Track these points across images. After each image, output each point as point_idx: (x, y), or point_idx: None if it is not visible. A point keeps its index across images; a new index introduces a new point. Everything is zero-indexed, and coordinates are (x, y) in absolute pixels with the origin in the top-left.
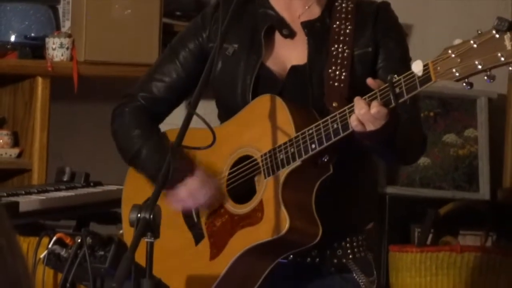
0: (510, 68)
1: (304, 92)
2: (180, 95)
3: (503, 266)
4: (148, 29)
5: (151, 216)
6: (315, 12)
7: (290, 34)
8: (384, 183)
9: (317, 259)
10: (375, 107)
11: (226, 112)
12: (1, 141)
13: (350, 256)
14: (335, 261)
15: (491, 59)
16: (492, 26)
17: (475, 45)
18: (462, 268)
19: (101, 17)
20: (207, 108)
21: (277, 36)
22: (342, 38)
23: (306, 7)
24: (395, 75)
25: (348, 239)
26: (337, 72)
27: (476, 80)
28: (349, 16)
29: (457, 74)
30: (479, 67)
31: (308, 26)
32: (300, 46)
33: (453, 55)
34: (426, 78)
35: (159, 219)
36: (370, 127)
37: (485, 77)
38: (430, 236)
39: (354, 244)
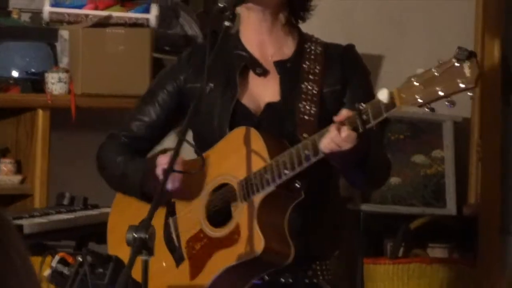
0: (469, 94)
1: (278, 126)
2: (159, 133)
3: (469, 276)
4: (140, 63)
5: (147, 235)
6: (286, 53)
7: (263, 72)
8: (359, 200)
9: (290, 280)
10: (345, 132)
11: (203, 145)
12: (5, 168)
13: (321, 278)
14: (307, 280)
15: (451, 86)
16: (453, 55)
17: (436, 74)
18: (432, 278)
19: (96, 53)
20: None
21: (251, 75)
22: (312, 77)
23: (279, 51)
24: (362, 103)
25: (318, 262)
26: (307, 107)
27: (442, 105)
28: (318, 58)
29: (420, 100)
30: (441, 93)
31: (280, 65)
32: (273, 84)
33: (416, 83)
34: (390, 104)
35: (154, 239)
36: (339, 149)
37: (446, 103)
38: (402, 249)
39: (324, 267)
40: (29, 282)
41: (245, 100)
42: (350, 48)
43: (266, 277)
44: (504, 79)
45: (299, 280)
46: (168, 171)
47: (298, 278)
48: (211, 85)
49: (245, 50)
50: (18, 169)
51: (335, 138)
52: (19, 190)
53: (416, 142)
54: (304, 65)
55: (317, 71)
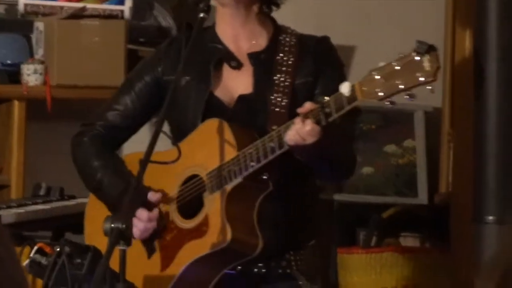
0: (428, 87)
1: (250, 118)
2: (135, 123)
3: (441, 263)
4: (114, 55)
5: (124, 225)
6: (261, 44)
7: (237, 65)
8: (332, 190)
9: (263, 270)
10: (309, 125)
11: (179, 137)
12: None
13: (294, 268)
14: (280, 271)
15: (411, 80)
16: (413, 49)
17: (397, 67)
18: (404, 266)
19: (71, 45)
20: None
21: (226, 68)
22: (285, 69)
23: (253, 42)
24: (325, 97)
25: (291, 252)
26: (279, 99)
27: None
28: (292, 49)
29: (380, 93)
30: (401, 87)
31: (254, 57)
32: (247, 76)
33: (377, 77)
34: (352, 97)
35: (131, 229)
36: (303, 143)
37: (406, 96)
38: (374, 238)
39: (298, 257)
40: (15, 271)
41: (219, 93)
42: (325, 39)
43: (239, 267)
44: (477, 71)
45: (273, 270)
46: (145, 163)
47: (271, 268)
48: (187, 77)
49: (220, 43)
50: None
51: (299, 131)
52: None
53: (388, 132)
54: (278, 57)
55: (290, 62)
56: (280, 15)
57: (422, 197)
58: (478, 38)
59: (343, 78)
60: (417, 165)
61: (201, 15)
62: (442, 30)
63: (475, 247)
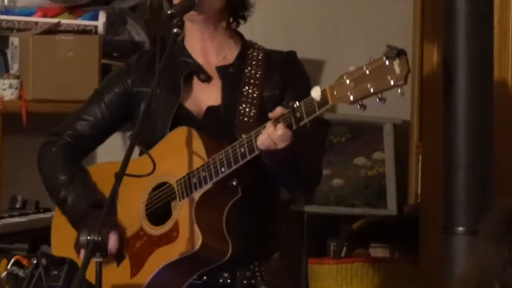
0: (399, 91)
1: (219, 129)
2: (103, 133)
3: (410, 273)
4: (89, 69)
5: (100, 238)
6: (229, 58)
7: (206, 79)
8: (302, 202)
9: (229, 280)
10: (281, 129)
11: (146, 146)
12: None
13: (259, 278)
14: (245, 281)
15: (382, 83)
16: (383, 53)
17: (367, 71)
18: (374, 276)
19: (46, 59)
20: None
21: (195, 81)
22: (253, 82)
23: (221, 56)
24: (296, 102)
25: (256, 263)
26: (247, 110)
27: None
28: (260, 63)
29: (351, 97)
30: (371, 90)
31: (222, 70)
32: (216, 89)
33: (348, 81)
34: (323, 102)
35: (107, 241)
36: (275, 147)
37: (377, 99)
38: (345, 249)
39: (262, 268)
40: None
41: (188, 104)
42: (291, 54)
43: (205, 277)
44: (445, 83)
45: (238, 281)
46: (120, 176)
47: (237, 278)
48: (157, 90)
49: (189, 56)
50: None
51: (271, 135)
52: None
53: (357, 144)
54: (246, 70)
55: (258, 75)
56: (250, 29)
57: (392, 208)
58: (447, 50)
59: (309, 91)
60: (386, 177)
61: (175, 30)
62: (410, 42)
63: (445, 257)
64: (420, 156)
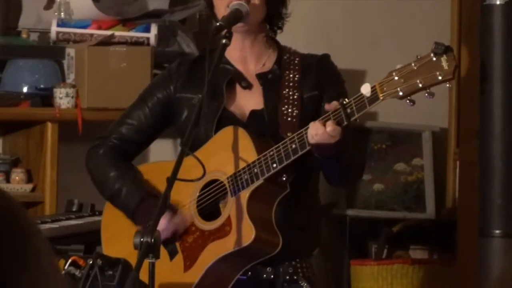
0: (447, 85)
1: (263, 130)
2: (147, 137)
3: (447, 274)
4: (141, 79)
5: (152, 239)
6: (267, 65)
7: (247, 85)
8: (344, 206)
9: (272, 276)
10: (330, 126)
11: (191, 149)
12: (17, 178)
13: (301, 275)
14: (287, 277)
15: (430, 78)
16: (431, 50)
17: (415, 67)
18: (413, 277)
19: (100, 70)
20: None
21: (237, 87)
22: (292, 84)
23: (261, 65)
24: (346, 99)
25: (298, 259)
26: (289, 110)
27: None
28: (296, 67)
29: (401, 93)
30: (420, 85)
31: (262, 77)
32: (257, 94)
33: (396, 77)
34: (374, 97)
35: (159, 242)
36: (327, 141)
37: (426, 94)
38: (385, 251)
39: (304, 265)
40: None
41: (232, 108)
42: (325, 57)
43: (249, 273)
44: (482, 90)
45: (280, 276)
46: (172, 180)
47: (279, 273)
48: (199, 95)
49: (229, 64)
50: (29, 178)
51: (321, 130)
52: (30, 197)
53: (397, 151)
54: (284, 74)
55: (296, 78)
56: (294, 42)
57: (430, 212)
58: (483, 60)
59: (345, 92)
60: (425, 182)
61: (224, 41)
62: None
63: (481, 259)
64: (458, 162)
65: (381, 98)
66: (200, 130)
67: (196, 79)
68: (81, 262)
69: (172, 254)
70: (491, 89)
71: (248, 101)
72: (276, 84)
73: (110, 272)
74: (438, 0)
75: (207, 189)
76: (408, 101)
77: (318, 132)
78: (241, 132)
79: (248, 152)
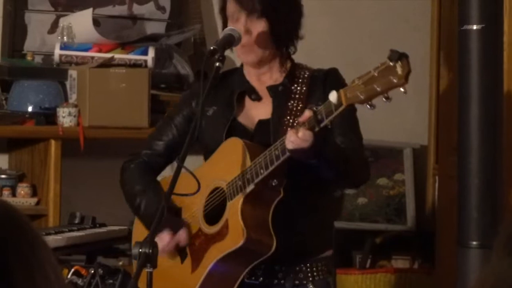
0: (401, 90)
1: (268, 138)
2: (175, 152)
3: (428, 282)
4: (139, 99)
5: (150, 250)
6: (279, 79)
7: (257, 98)
8: None
9: (282, 280)
10: (301, 131)
11: (206, 155)
12: (22, 192)
13: (310, 279)
14: (297, 282)
15: (386, 83)
16: (387, 57)
17: (375, 74)
18: (396, 286)
19: (101, 90)
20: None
21: (247, 99)
22: (298, 96)
23: (273, 80)
24: (316, 106)
25: (308, 264)
26: (291, 121)
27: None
28: (305, 81)
29: (361, 97)
30: (378, 89)
31: (272, 89)
32: (266, 105)
33: (358, 83)
34: (339, 103)
35: (157, 253)
36: (300, 146)
37: (383, 99)
38: (369, 260)
39: (314, 268)
40: None
41: (241, 119)
42: (333, 70)
43: (261, 278)
44: (460, 110)
45: (290, 281)
46: (168, 195)
47: (289, 279)
48: (214, 107)
49: (244, 77)
50: (34, 192)
51: (293, 137)
52: (35, 210)
53: (379, 167)
54: (293, 87)
55: (303, 91)
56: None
57: (411, 224)
58: (461, 82)
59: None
60: (406, 196)
61: (217, 64)
62: (427, 75)
63: (459, 268)
64: (437, 177)
65: (344, 104)
66: (214, 138)
67: (212, 93)
68: (83, 271)
69: (183, 257)
70: (468, 108)
71: (258, 111)
72: (285, 96)
73: (111, 281)
74: (419, 24)
75: (211, 195)
76: (368, 106)
77: (291, 138)
78: (240, 143)
79: (244, 161)
